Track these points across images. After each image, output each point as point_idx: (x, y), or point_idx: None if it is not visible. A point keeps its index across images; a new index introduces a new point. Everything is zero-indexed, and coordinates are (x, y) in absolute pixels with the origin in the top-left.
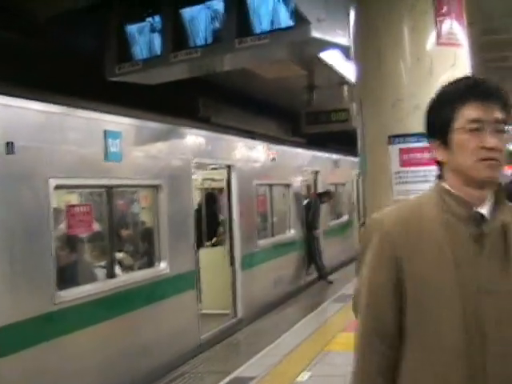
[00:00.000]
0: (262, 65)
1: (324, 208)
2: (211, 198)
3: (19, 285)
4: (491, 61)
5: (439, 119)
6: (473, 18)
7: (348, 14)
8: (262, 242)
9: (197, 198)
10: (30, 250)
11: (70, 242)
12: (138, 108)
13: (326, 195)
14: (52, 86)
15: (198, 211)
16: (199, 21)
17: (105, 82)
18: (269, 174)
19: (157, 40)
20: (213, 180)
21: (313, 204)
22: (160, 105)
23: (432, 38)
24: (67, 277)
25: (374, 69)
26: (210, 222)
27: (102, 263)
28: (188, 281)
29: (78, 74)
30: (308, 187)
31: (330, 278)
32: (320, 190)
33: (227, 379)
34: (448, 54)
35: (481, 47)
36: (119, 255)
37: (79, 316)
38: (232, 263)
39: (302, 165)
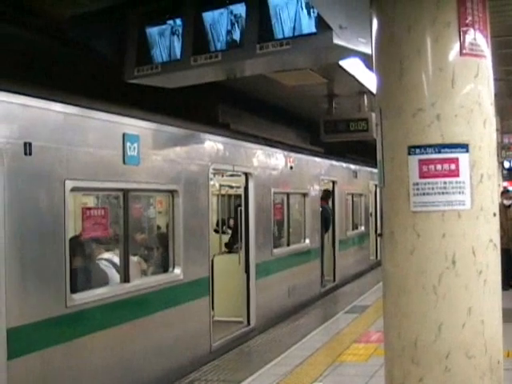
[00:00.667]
0: (282, 72)
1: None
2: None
3: (32, 287)
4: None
5: None
6: (494, 30)
7: (370, 23)
8: (278, 251)
9: (213, 204)
10: (44, 252)
11: (85, 245)
12: (157, 112)
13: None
14: (71, 87)
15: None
16: (220, 25)
17: (125, 85)
18: (286, 182)
19: (177, 43)
20: (230, 187)
21: (329, 210)
22: (179, 110)
23: (455, 48)
24: (81, 280)
25: (395, 78)
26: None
27: (117, 267)
28: (201, 287)
29: (97, 76)
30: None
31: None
32: (336, 199)
33: None
34: (471, 65)
35: (502, 60)
36: (134, 260)
37: (92, 319)
38: (247, 271)
39: (319, 174)
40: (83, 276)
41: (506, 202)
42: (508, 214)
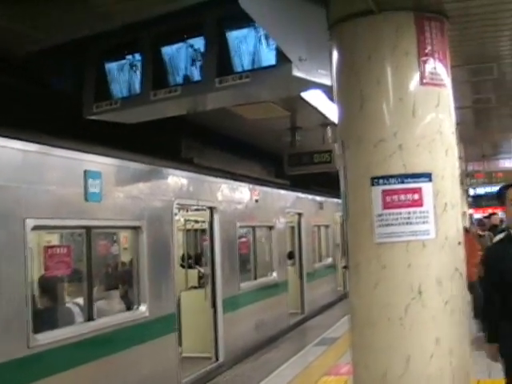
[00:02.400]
0: (244, 106)
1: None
2: None
3: None
4: (477, 102)
5: None
6: (458, 59)
7: (330, 54)
8: (245, 285)
9: (179, 239)
10: (4, 292)
11: (48, 284)
12: (119, 148)
13: None
14: (30, 125)
15: None
16: (179, 59)
17: (85, 121)
18: (252, 215)
19: (136, 78)
20: (196, 221)
21: None
22: (142, 145)
23: (415, 77)
24: (44, 320)
25: (356, 108)
26: None
27: (81, 305)
28: (168, 324)
29: (57, 113)
30: (292, 229)
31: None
32: (303, 231)
33: None
34: (432, 94)
35: (467, 88)
36: (98, 298)
37: (56, 359)
38: (214, 306)
39: (285, 206)
40: (47, 316)
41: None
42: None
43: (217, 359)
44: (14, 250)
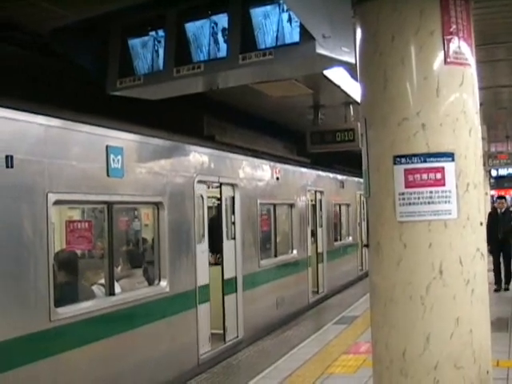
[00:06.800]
0: (267, 83)
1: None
2: None
3: (15, 301)
4: (501, 82)
5: None
6: (481, 38)
7: (354, 32)
8: (265, 262)
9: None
10: (26, 266)
11: (69, 259)
12: (141, 124)
13: None
14: (53, 100)
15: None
16: (203, 35)
17: (108, 97)
18: (273, 193)
19: (160, 54)
20: (217, 198)
21: None
22: (164, 122)
23: (439, 57)
24: (65, 294)
25: (380, 88)
26: None
27: (102, 281)
28: (188, 300)
29: (80, 88)
30: (312, 207)
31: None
32: (323, 210)
33: None
34: (456, 73)
35: (491, 68)
36: (119, 273)
37: (77, 334)
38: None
39: (306, 184)
40: (68, 290)
41: None
42: None
43: (237, 335)
44: (36, 224)
